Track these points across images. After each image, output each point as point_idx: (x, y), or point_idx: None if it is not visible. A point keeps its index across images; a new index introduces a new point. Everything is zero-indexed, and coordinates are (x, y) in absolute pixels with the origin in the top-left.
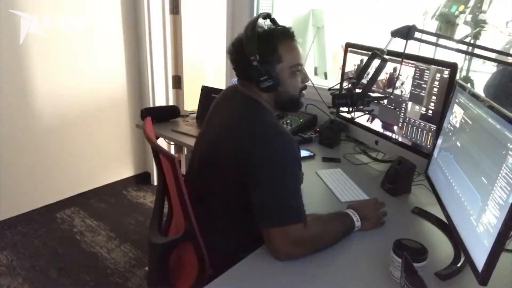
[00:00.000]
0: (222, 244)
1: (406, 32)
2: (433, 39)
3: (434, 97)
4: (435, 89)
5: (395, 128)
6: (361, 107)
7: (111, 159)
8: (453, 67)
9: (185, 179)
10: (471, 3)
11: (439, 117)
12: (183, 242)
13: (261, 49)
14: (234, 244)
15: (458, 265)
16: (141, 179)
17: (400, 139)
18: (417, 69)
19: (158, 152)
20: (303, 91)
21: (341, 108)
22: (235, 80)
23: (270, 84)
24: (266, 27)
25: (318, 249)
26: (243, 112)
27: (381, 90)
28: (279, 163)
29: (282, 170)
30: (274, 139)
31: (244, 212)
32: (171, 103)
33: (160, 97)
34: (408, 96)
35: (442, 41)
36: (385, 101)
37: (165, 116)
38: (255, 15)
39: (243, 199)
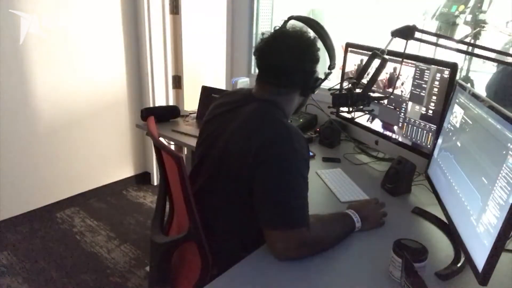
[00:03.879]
0: (224, 243)
1: (406, 32)
2: (433, 39)
3: (434, 97)
4: (435, 89)
5: (395, 128)
6: (361, 107)
7: (111, 159)
8: (453, 67)
9: (189, 178)
10: (471, 3)
11: (439, 117)
12: (186, 241)
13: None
14: (237, 243)
15: (458, 265)
16: (141, 179)
17: (400, 139)
18: (417, 69)
19: (161, 151)
20: None
21: (341, 108)
22: (235, 80)
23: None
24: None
25: (319, 251)
26: (258, 115)
27: (381, 90)
28: (287, 163)
29: (289, 171)
30: (284, 138)
31: (248, 212)
32: (171, 103)
33: (160, 97)
34: (408, 96)
35: (442, 41)
36: (385, 101)
37: (165, 116)
38: (255, 15)
39: (248, 198)
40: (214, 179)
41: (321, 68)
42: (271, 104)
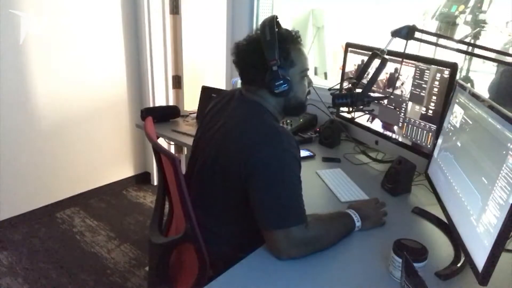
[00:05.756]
0: (222, 244)
1: (406, 32)
2: (433, 39)
3: (434, 97)
4: (435, 89)
5: (395, 128)
6: (361, 107)
7: (111, 159)
8: (453, 67)
9: (185, 179)
10: (471, 3)
11: (439, 117)
12: (183, 242)
13: (278, 54)
14: (234, 244)
15: (458, 265)
16: (141, 179)
17: (400, 139)
18: (417, 69)
19: (159, 152)
20: (308, 96)
21: (341, 108)
22: (235, 80)
23: (285, 89)
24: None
25: (318, 250)
26: (245, 115)
27: (381, 90)
28: (278, 164)
29: (281, 171)
30: (273, 139)
31: (245, 213)
32: (171, 103)
33: (160, 97)
34: (408, 96)
35: (442, 41)
36: (385, 101)
37: (165, 116)
38: (255, 15)
39: (243, 199)
40: (210, 182)
41: (321, 68)
42: (256, 104)
